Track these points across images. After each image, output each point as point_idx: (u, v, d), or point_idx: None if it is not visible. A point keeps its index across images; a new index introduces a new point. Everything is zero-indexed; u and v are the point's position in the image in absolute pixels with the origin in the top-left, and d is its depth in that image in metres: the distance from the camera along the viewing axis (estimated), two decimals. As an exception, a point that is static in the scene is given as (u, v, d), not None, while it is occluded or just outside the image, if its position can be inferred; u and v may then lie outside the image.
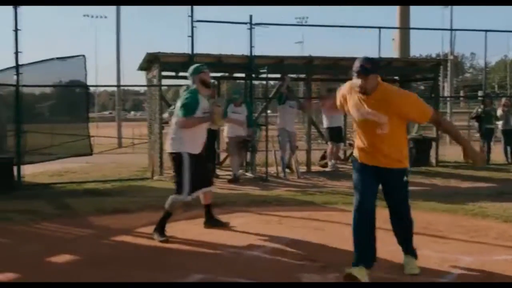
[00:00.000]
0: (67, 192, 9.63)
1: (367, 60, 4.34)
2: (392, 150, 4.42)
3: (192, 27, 11.00)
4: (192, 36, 11.05)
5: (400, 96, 4.40)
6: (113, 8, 30.45)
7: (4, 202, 8.41)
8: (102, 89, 76.48)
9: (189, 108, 5.97)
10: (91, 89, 11.09)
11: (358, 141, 4.61)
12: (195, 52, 11.16)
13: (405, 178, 4.58)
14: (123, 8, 26.51)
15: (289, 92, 12.20)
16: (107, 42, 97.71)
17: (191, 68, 6.31)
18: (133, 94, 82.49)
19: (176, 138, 6.05)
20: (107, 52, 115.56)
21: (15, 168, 10.07)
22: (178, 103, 6.18)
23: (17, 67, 10.07)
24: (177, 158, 6.04)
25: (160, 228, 6.04)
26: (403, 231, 4.75)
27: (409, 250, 4.76)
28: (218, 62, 11.93)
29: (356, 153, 4.67)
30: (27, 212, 7.65)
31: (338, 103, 4.80)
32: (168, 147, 6.22)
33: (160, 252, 5.61)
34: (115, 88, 36.25)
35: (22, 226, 6.89)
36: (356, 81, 4.33)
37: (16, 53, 10.02)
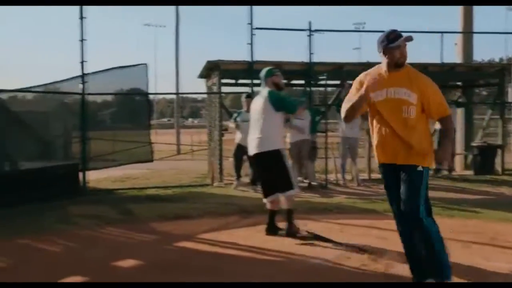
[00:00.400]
0: (130, 198, 9.83)
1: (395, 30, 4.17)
2: (416, 140, 4.10)
3: (252, 34, 11.06)
4: (251, 44, 11.11)
5: (426, 76, 4.24)
6: (172, 17, 31.08)
7: (71, 207, 8.69)
8: (160, 96, 78.12)
9: (292, 100, 6.51)
10: (150, 96, 11.44)
11: (377, 135, 4.27)
12: (254, 59, 11.21)
13: (422, 178, 4.11)
14: (182, 18, 26.97)
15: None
16: (166, 51, 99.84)
17: (264, 70, 6.45)
18: (191, 101, 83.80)
19: (267, 137, 6.23)
20: (165, 60, 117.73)
21: (80, 174, 10.39)
22: (274, 104, 6.23)
23: (83, 76, 10.38)
24: (276, 155, 6.21)
25: (292, 227, 6.33)
26: (418, 250, 4.15)
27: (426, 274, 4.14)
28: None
29: (375, 153, 4.35)
30: (92, 217, 7.87)
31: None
32: (260, 147, 6.28)
33: (222, 258, 5.63)
34: (173, 96, 36.91)
35: (87, 231, 7.07)
36: (375, 70, 4.26)
37: (82, 62, 10.33)
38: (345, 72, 12.55)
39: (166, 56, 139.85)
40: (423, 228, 4.08)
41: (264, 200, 6.52)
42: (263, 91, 6.41)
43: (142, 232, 6.93)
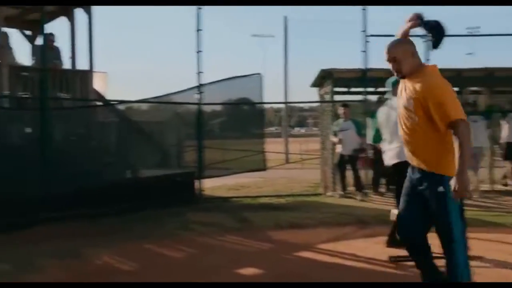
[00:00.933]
0: (244, 206, 9.94)
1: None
2: (419, 149, 3.75)
3: (366, 41, 10.86)
4: (365, 51, 10.91)
5: (436, 79, 3.63)
6: (280, 28, 31.37)
7: (188, 214, 8.93)
8: (268, 105, 78.98)
9: None
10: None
11: (401, 136, 3.98)
12: (368, 67, 10.99)
13: (442, 189, 3.64)
14: (291, 27, 27.13)
15: (469, 105, 11.47)
16: (273, 60, 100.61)
17: (394, 79, 6.25)
18: (298, 110, 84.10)
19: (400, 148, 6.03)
20: (273, 69, 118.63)
21: (195, 182, 10.66)
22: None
23: (199, 86, 10.67)
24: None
25: None
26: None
27: None
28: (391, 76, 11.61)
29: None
30: (210, 224, 8.03)
31: None
32: (402, 156, 6.10)
33: (342, 269, 5.53)
34: (280, 105, 37.20)
35: (206, 238, 7.21)
36: None
37: (198, 73, 10.64)
38: (463, 78, 11.97)
39: (274, 65, 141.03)
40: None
41: (395, 211, 6.29)
42: (395, 101, 6.19)
43: (259, 240, 6.97)
